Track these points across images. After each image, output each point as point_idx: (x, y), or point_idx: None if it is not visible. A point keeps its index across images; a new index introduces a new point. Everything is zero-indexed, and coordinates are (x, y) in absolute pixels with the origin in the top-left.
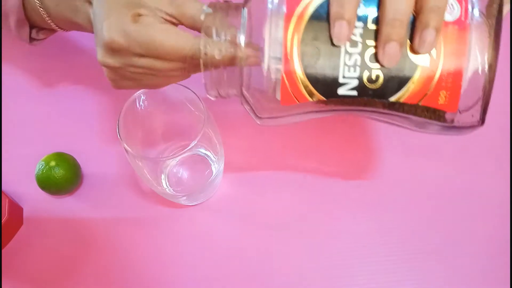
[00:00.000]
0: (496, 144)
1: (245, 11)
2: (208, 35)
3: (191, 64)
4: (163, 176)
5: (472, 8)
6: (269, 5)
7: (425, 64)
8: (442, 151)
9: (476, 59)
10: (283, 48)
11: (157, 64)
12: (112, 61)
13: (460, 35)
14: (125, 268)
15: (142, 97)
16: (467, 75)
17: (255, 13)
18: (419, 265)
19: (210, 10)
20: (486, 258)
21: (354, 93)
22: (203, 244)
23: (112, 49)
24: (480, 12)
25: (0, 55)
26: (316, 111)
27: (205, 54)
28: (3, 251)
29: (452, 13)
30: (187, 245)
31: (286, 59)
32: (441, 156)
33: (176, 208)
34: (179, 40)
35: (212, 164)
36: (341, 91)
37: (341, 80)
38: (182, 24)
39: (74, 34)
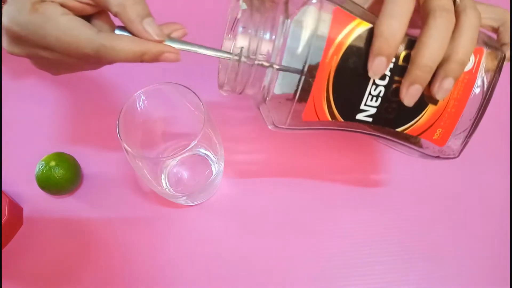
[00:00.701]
0: (496, 144)
1: (288, 24)
2: (242, 37)
3: (96, 59)
4: (163, 176)
5: (483, 65)
6: (312, 24)
7: (434, 105)
8: None
9: (473, 108)
10: (318, 69)
11: (61, 57)
12: (17, 50)
13: (468, 85)
14: (125, 268)
15: (142, 97)
16: (461, 119)
17: (295, 29)
18: (419, 265)
19: (245, 6)
20: (486, 258)
21: (370, 119)
22: (203, 243)
23: (13, 38)
24: (485, 68)
25: (0, 55)
26: (328, 128)
27: (237, 60)
28: (3, 251)
29: (467, 65)
30: (187, 245)
31: (320, 80)
32: None
33: (176, 208)
34: (79, 37)
35: (212, 164)
36: (359, 116)
37: (362, 107)
38: (98, 6)
39: None
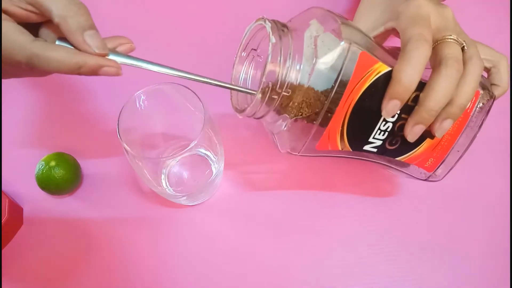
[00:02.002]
0: (496, 144)
1: (316, 63)
2: (271, 71)
3: (28, 67)
4: (163, 176)
5: (477, 105)
6: (338, 66)
7: (431, 139)
8: None
9: (462, 142)
10: (338, 106)
11: None
12: None
13: (462, 123)
14: (125, 268)
15: (142, 97)
16: (451, 151)
17: (322, 69)
18: (419, 265)
19: (274, 40)
20: (486, 258)
21: (375, 150)
22: (203, 244)
23: None
24: (478, 107)
25: (0, 55)
26: (335, 155)
27: (263, 92)
28: (3, 251)
29: None
30: (187, 245)
31: (338, 115)
32: None
33: (176, 208)
34: (12, 43)
35: (212, 164)
36: (366, 147)
37: (370, 139)
38: (43, 15)
39: None
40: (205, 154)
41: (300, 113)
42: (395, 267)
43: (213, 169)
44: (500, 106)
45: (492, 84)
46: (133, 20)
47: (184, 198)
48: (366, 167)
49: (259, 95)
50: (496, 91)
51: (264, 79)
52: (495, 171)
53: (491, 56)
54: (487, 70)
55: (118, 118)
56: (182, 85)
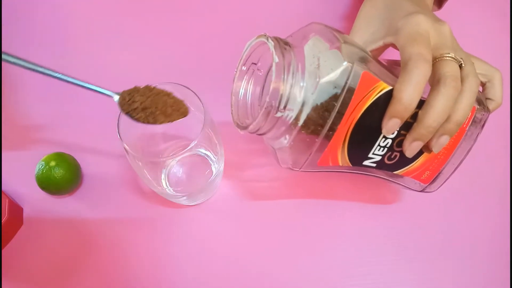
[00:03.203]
0: (496, 144)
1: (319, 83)
2: (275, 90)
3: None
4: (163, 176)
5: (473, 120)
6: (341, 84)
7: (428, 153)
8: None
9: (458, 156)
10: (340, 124)
11: None
12: None
13: (458, 137)
14: (125, 268)
15: None
16: (446, 164)
17: (325, 88)
18: (419, 265)
19: (277, 59)
20: (486, 259)
21: (374, 165)
22: (203, 243)
23: None
24: (473, 122)
25: (0, 55)
26: (335, 171)
27: (267, 107)
28: (3, 251)
29: None
30: (187, 245)
31: (340, 133)
32: None
33: (176, 208)
34: None
35: (212, 164)
36: (365, 162)
37: (370, 155)
38: None
39: (74, 36)
40: (205, 154)
41: (303, 131)
42: (395, 267)
43: (213, 169)
44: (500, 106)
45: (486, 98)
46: (132, 33)
47: (184, 198)
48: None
49: (116, 97)
50: (491, 105)
51: (267, 99)
52: (495, 173)
53: (485, 71)
54: (482, 84)
55: (118, 118)
56: (182, 85)
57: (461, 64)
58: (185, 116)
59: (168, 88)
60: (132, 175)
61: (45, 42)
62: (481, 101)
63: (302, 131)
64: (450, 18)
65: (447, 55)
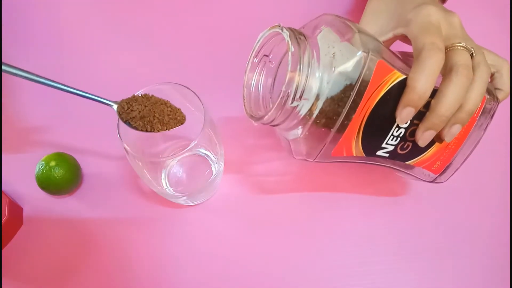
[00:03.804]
0: (496, 144)
1: (336, 73)
2: (291, 80)
3: None
4: (163, 176)
5: (483, 109)
6: (356, 74)
7: (439, 143)
8: None
9: (468, 146)
10: (355, 113)
11: None
12: None
13: (468, 127)
14: (125, 268)
15: None
16: (457, 154)
17: (340, 78)
18: (419, 265)
19: (292, 48)
20: (486, 258)
21: (387, 155)
22: (203, 243)
23: None
24: (484, 112)
25: (0, 55)
26: (348, 161)
27: (283, 97)
28: (3, 251)
29: None
30: (187, 245)
31: (355, 123)
32: None
33: (176, 208)
34: None
35: (212, 164)
36: (379, 152)
37: (383, 145)
38: None
39: (73, 36)
40: (205, 154)
41: (318, 121)
42: (396, 267)
43: (213, 169)
44: (500, 106)
45: (495, 89)
46: (140, 28)
47: (184, 198)
48: (369, 168)
49: (115, 106)
50: (499, 95)
51: (284, 88)
52: (495, 171)
53: (494, 61)
54: (491, 74)
55: (118, 118)
56: (183, 85)
57: (472, 53)
58: (181, 124)
59: (168, 88)
60: (132, 175)
61: (44, 42)
62: (491, 91)
63: (317, 122)
64: None
65: (458, 44)
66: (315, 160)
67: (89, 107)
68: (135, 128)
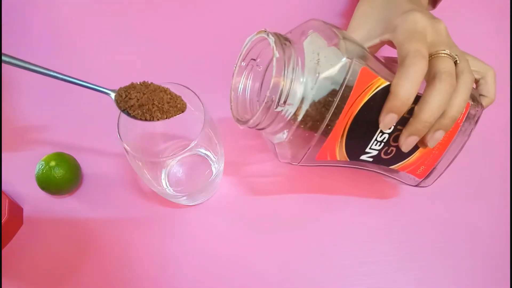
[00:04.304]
0: (496, 144)
1: (319, 78)
2: (275, 85)
3: None
4: (163, 176)
5: (467, 116)
6: (340, 79)
7: (423, 148)
8: None
9: (452, 151)
10: (339, 118)
11: None
12: None
13: (452, 132)
14: (125, 268)
15: None
16: (441, 159)
17: (325, 83)
18: (419, 265)
19: (278, 54)
20: (486, 258)
21: (371, 159)
22: (203, 243)
23: None
24: (467, 117)
25: (0, 55)
26: (332, 165)
27: (267, 102)
28: (3, 251)
29: None
30: (187, 245)
31: (338, 127)
32: None
33: (176, 208)
34: None
35: (212, 164)
36: (362, 157)
37: (367, 150)
38: None
39: (73, 36)
40: (205, 154)
41: (302, 125)
42: (395, 267)
43: (213, 169)
44: (500, 106)
45: (480, 95)
46: (135, 28)
47: (184, 198)
48: (364, 171)
49: (113, 95)
50: (484, 102)
51: (268, 93)
52: (494, 171)
53: (479, 68)
54: (476, 81)
55: (118, 118)
56: (182, 85)
57: (456, 60)
58: (182, 111)
59: (168, 87)
60: (132, 175)
61: (44, 42)
62: (475, 97)
63: (301, 126)
64: (446, 17)
65: (443, 51)
66: (299, 164)
67: (89, 107)
68: (134, 117)
